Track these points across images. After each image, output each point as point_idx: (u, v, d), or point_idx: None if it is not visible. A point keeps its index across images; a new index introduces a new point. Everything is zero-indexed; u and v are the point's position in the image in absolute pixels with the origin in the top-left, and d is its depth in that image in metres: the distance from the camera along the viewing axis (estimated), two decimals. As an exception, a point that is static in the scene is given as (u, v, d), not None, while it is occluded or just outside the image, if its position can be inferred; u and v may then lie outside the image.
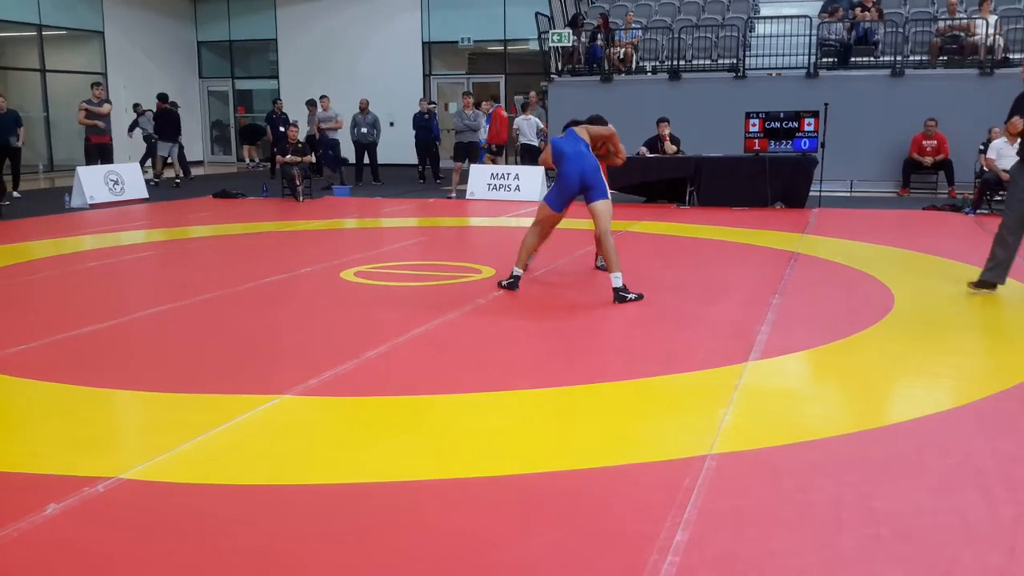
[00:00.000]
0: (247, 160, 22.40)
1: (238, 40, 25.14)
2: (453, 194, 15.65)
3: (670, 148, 14.06)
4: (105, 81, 21.53)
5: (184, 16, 24.96)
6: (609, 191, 7.20)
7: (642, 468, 3.67)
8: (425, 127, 18.34)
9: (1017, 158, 6.79)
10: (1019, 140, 6.80)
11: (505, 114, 17.98)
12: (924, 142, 14.86)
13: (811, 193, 13.40)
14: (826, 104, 13.38)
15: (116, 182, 14.74)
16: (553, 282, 7.71)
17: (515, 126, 16.84)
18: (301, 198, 14.74)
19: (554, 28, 17.73)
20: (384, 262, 8.82)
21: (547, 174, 14.19)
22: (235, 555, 2.97)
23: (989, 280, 6.90)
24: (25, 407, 4.54)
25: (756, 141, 13.59)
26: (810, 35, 16.16)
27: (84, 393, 4.70)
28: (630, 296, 6.78)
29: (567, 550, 2.98)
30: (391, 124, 20.69)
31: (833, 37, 16.35)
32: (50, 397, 4.65)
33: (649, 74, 17.39)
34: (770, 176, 13.20)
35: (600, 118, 7.64)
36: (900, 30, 16.14)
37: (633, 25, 17.64)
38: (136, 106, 19.82)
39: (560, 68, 17.98)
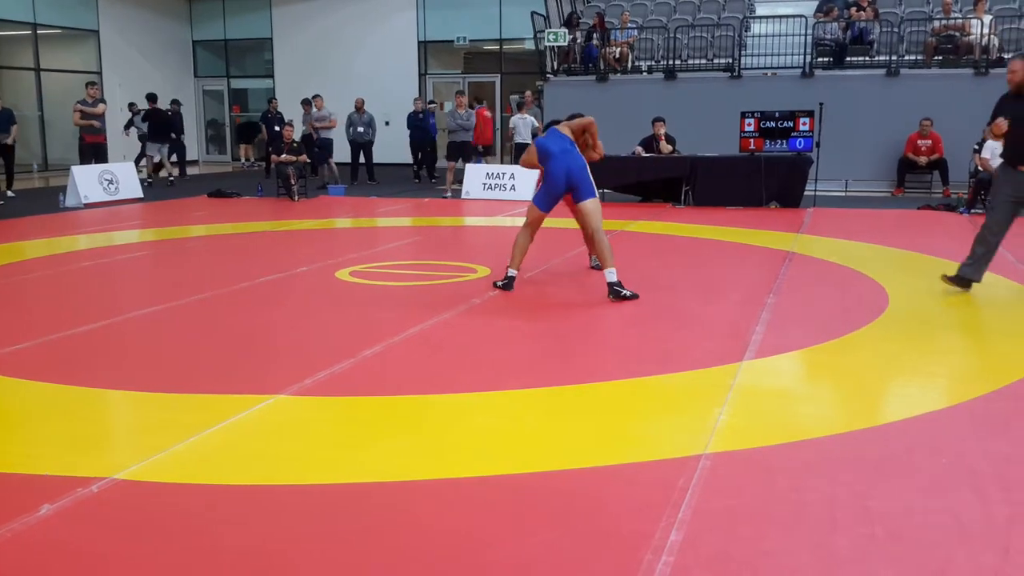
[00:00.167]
0: (243, 159, 22.39)
1: (233, 39, 25.12)
2: (448, 193, 15.66)
3: (665, 148, 14.06)
4: (100, 80, 21.48)
5: (179, 15, 24.93)
6: (596, 189, 7.21)
7: (637, 468, 3.67)
8: (420, 126, 18.34)
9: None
10: (1004, 141, 6.80)
11: (488, 114, 17.90)
12: (919, 142, 14.89)
13: (806, 193, 13.42)
14: (821, 104, 13.39)
15: (111, 182, 14.72)
16: (547, 282, 7.71)
17: (511, 125, 16.87)
18: (296, 197, 14.73)
19: (550, 27, 17.74)
20: (379, 262, 8.81)
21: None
22: (229, 555, 2.97)
23: (966, 276, 6.91)
24: (18, 407, 4.53)
25: (751, 141, 13.61)
26: (806, 35, 16.19)
27: (78, 393, 4.69)
28: (625, 292, 6.79)
29: (562, 550, 2.98)
30: (386, 123, 20.68)
31: (828, 37, 16.38)
32: (44, 397, 4.64)
33: (645, 73, 17.41)
34: (765, 176, 13.22)
35: (580, 116, 7.66)
36: (895, 30, 16.17)
37: (629, 24, 17.66)
38: (131, 105, 19.81)
39: (556, 67, 17.99)
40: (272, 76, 24.60)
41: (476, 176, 15.39)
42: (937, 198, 13.92)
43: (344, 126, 17.96)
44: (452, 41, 22.94)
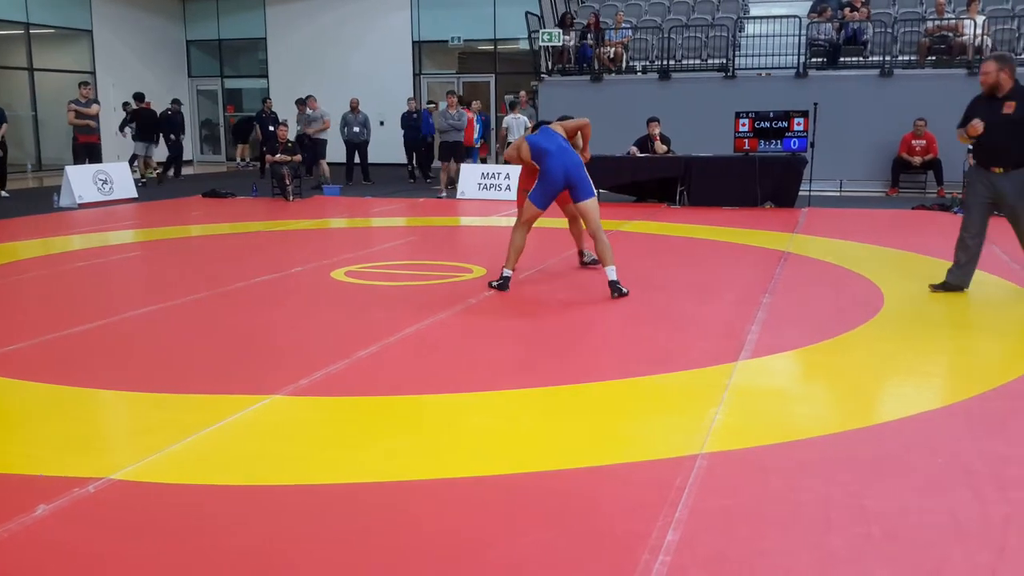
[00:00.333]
0: (239, 159, 22.37)
1: (227, 39, 25.09)
2: (443, 193, 15.65)
3: (660, 148, 14.08)
4: (94, 80, 21.46)
5: (173, 15, 24.89)
6: (595, 189, 7.23)
7: (633, 468, 3.68)
8: (414, 126, 18.33)
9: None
10: (974, 143, 6.82)
11: (471, 115, 17.79)
12: (913, 142, 14.93)
13: (800, 193, 13.44)
14: (815, 104, 13.42)
15: (105, 182, 14.69)
16: (543, 282, 7.72)
17: (504, 125, 16.92)
18: (291, 197, 14.71)
19: (544, 28, 17.74)
20: (374, 262, 8.81)
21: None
22: (226, 555, 2.96)
23: (953, 283, 6.94)
24: (14, 407, 4.52)
25: (746, 141, 13.63)
26: (799, 35, 16.21)
27: (73, 393, 4.68)
28: (626, 291, 6.84)
29: (558, 550, 2.98)
30: (381, 123, 20.67)
31: (822, 37, 16.41)
32: (39, 397, 4.63)
33: (639, 74, 17.42)
34: (760, 176, 13.24)
35: (570, 118, 7.69)
36: (889, 30, 16.20)
37: (623, 25, 17.67)
38: (126, 105, 19.76)
39: (550, 68, 17.99)
40: (266, 76, 24.57)
41: (471, 176, 15.39)
42: (931, 198, 13.95)
43: (339, 126, 17.94)
44: (446, 41, 22.93)
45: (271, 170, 15.20)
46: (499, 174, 15.26)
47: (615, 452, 3.87)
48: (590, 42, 17.52)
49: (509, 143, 16.42)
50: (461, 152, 16.46)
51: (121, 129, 19.19)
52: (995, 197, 6.74)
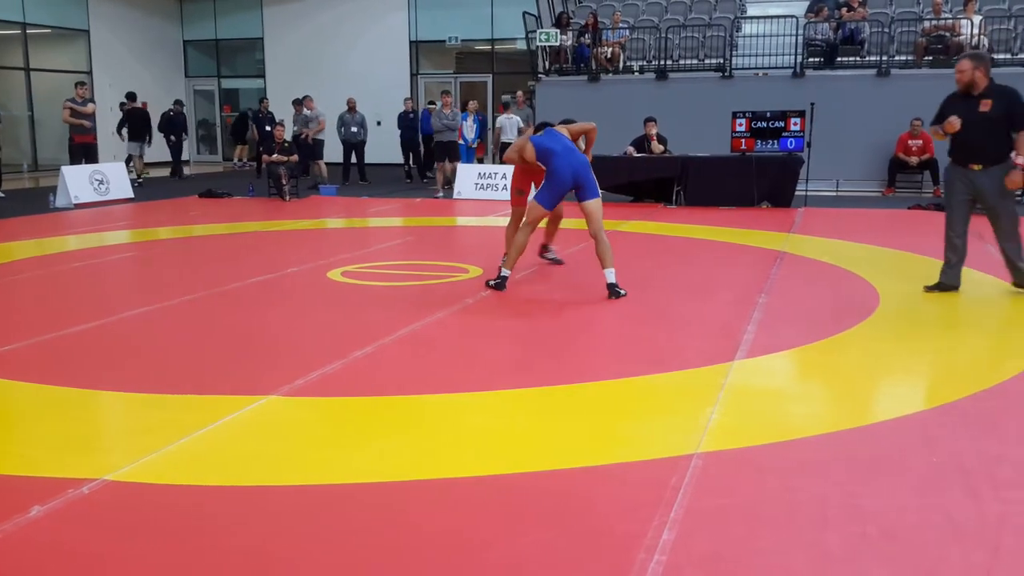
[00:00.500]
0: (236, 160, 22.36)
1: (224, 39, 25.07)
2: (440, 193, 15.65)
3: (657, 148, 14.08)
4: (90, 80, 21.43)
5: (170, 15, 24.87)
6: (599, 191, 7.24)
7: (629, 467, 3.68)
8: (411, 127, 18.32)
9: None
10: (952, 141, 6.85)
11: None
12: (910, 141, 14.94)
13: (797, 192, 13.45)
14: (812, 104, 13.42)
15: (101, 182, 14.67)
16: (539, 282, 7.72)
17: (497, 125, 16.97)
18: (287, 197, 14.70)
19: (542, 28, 17.74)
20: (371, 262, 8.80)
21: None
22: (222, 556, 2.96)
23: (946, 283, 6.96)
24: (9, 408, 4.51)
25: (743, 141, 13.64)
26: (796, 35, 16.21)
27: (69, 394, 4.67)
28: (623, 292, 6.83)
29: (555, 550, 2.98)
30: (378, 123, 20.66)
31: (819, 37, 16.41)
32: (34, 398, 4.62)
33: (636, 74, 17.43)
34: (756, 175, 13.24)
35: (572, 121, 7.70)
36: (886, 30, 16.21)
37: (620, 25, 17.67)
38: (123, 104, 19.75)
39: (548, 68, 17.99)
40: (263, 76, 24.55)
41: (468, 176, 15.39)
42: (928, 198, 13.97)
43: (336, 126, 17.93)
44: (444, 41, 22.92)
45: (267, 170, 15.19)
46: (496, 174, 15.26)
47: (611, 452, 3.86)
48: (587, 42, 17.51)
49: (502, 142, 16.52)
50: (456, 152, 16.46)
51: (119, 130, 19.19)
52: (974, 194, 6.77)
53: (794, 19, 16.39)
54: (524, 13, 18.02)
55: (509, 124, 16.63)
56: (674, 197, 13.68)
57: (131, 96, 18.43)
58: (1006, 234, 6.83)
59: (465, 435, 4.10)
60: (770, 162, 13.35)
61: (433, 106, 19.59)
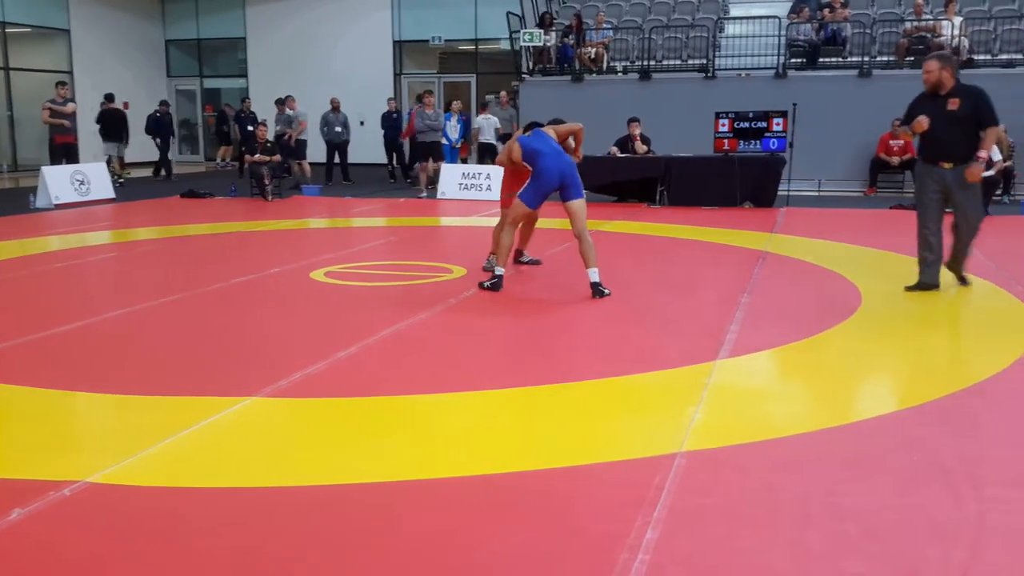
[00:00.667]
0: (218, 160, 22.26)
1: (207, 38, 24.95)
2: (423, 193, 15.64)
3: (641, 148, 14.12)
4: (71, 80, 21.28)
5: (152, 14, 24.73)
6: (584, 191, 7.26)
7: (612, 467, 3.68)
8: (394, 127, 18.29)
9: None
10: (922, 140, 6.97)
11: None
12: (891, 142, 15.03)
13: (779, 192, 13.51)
14: (794, 104, 13.49)
15: (82, 182, 14.58)
16: (523, 282, 7.72)
17: (475, 125, 17.01)
18: (270, 198, 14.65)
19: (525, 28, 17.75)
20: (354, 262, 8.78)
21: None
22: (205, 557, 2.95)
23: (926, 282, 7.02)
24: (-11, 410, 4.47)
25: (725, 141, 13.69)
26: (779, 36, 16.29)
27: (50, 395, 4.64)
28: (607, 292, 6.84)
29: (539, 549, 2.98)
30: (361, 123, 20.61)
31: (801, 38, 16.49)
32: (15, 400, 4.58)
33: (620, 74, 17.46)
34: (739, 176, 13.30)
35: (561, 121, 7.72)
36: (867, 31, 16.31)
37: (604, 25, 17.70)
38: (103, 104, 19.62)
39: (531, 68, 18.00)
40: (246, 76, 24.45)
41: (452, 176, 15.38)
42: (909, 198, 13.97)
43: (319, 126, 17.87)
44: (427, 41, 22.89)
45: (250, 170, 15.13)
46: (480, 174, 15.26)
47: (595, 451, 3.87)
48: (571, 42, 17.53)
49: (479, 142, 16.61)
50: (439, 152, 16.46)
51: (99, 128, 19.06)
52: (944, 191, 6.88)
53: (776, 20, 16.46)
54: (508, 13, 18.03)
55: (487, 124, 16.73)
56: (657, 197, 13.72)
57: (109, 97, 18.34)
58: (970, 230, 6.97)
59: (449, 435, 4.10)
60: (753, 162, 13.41)
61: (420, 107, 19.60)
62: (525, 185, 7.25)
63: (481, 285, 7.26)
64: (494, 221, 7.67)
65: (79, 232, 11.23)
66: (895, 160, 14.99)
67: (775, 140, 13.50)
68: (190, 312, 6.66)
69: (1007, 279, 7.58)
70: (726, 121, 13.68)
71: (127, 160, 19.17)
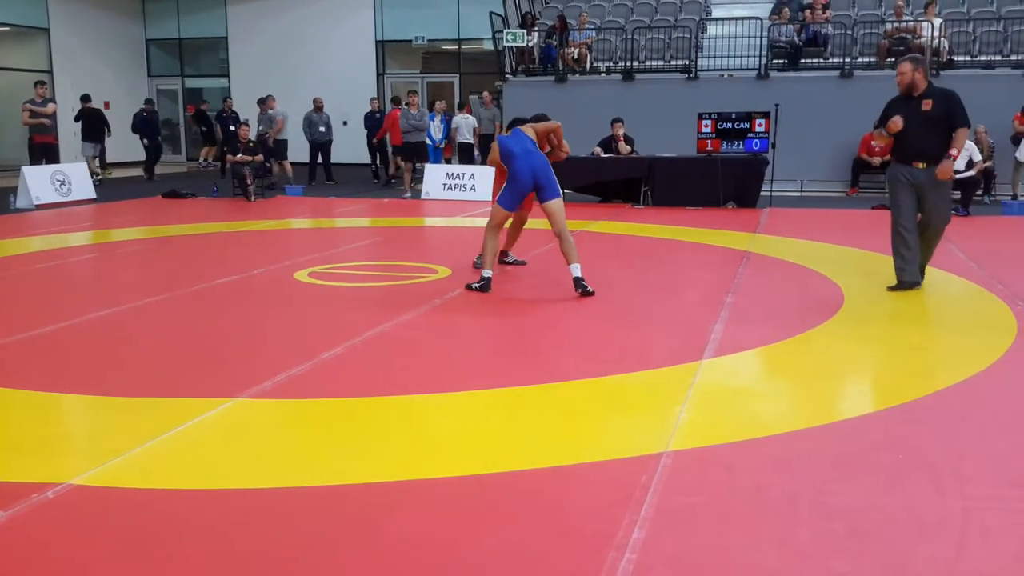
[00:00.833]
0: (201, 160, 22.12)
1: (188, 38, 24.81)
2: (408, 194, 15.61)
3: (624, 148, 14.14)
4: (51, 80, 21.12)
5: (132, 13, 24.57)
6: (561, 189, 7.26)
7: (599, 467, 3.68)
8: (377, 126, 18.25)
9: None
10: (896, 141, 7.06)
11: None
12: (872, 142, 15.10)
13: (762, 193, 13.56)
14: (777, 105, 13.55)
15: (63, 182, 14.47)
16: (508, 282, 7.71)
17: (453, 125, 17.02)
18: (252, 198, 14.58)
19: (508, 28, 17.75)
20: (338, 263, 8.75)
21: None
22: (187, 559, 2.92)
23: (907, 280, 7.08)
24: (-30, 412, 4.43)
25: (708, 142, 13.72)
26: (761, 37, 16.35)
27: (32, 397, 4.60)
28: (591, 290, 6.88)
29: (526, 549, 2.98)
30: (344, 123, 20.56)
31: (783, 39, 16.57)
32: (-4, 402, 4.55)
33: (603, 74, 17.49)
34: (722, 176, 13.34)
35: (545, 116, 7.70)
36: (849, 32, 16.40)
37: (587, 25, 17.73)
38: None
39: (514, 68, 18.00)
40: (227, 75, 24.34)
41: (436, 176, 15.36)
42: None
43: (302, 126, 17.80)
44: (410, 41, 22.86)
45: (232, 170, 15.05)
46: (464, 174, 15.25)
47: (581, 451, 3.87)
48: (554, 42, 17.55)
49: (459, 142, 16.69)
50: (424, 152, 16.44)
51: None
52: (918, 190, 6.98)
53: (758, 21, 16.53)
54: (491, 13, 18.02)
55: (465, 124, 16.79)
56: (641, 197, 13.75)
57: (85, 98, 18.24)
58: (936, 233, 7.11)
59: (435, 436, 4.09)
60: (736, 163, 13.46)
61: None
62: (502, 189, 7.25)
63: (469, 286, 7.25)
64: (479, 221, 7.66)
65: (60, 233, 11.14)
66: (877, 160, 15.07)
67: (758, 141, 13.55)
68: (173, 313, 6.61)
69: (988, 279, 7.63)
70: (709, 122, 13.71)
71: (109, 160, 19.05)
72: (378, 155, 18.71)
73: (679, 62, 17.09)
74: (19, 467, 3.67)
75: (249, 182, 14.58)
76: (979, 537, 3.07)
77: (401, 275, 8.02)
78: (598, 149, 14.18)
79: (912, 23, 16.09)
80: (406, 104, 16.57)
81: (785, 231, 10.78)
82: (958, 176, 11.93)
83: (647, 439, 3.96)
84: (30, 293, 7.45)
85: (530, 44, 17.59)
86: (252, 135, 16.03)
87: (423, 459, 3.78)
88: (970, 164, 12.71)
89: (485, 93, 17.91)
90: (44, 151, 15.75)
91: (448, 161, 17.35)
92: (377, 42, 23.12)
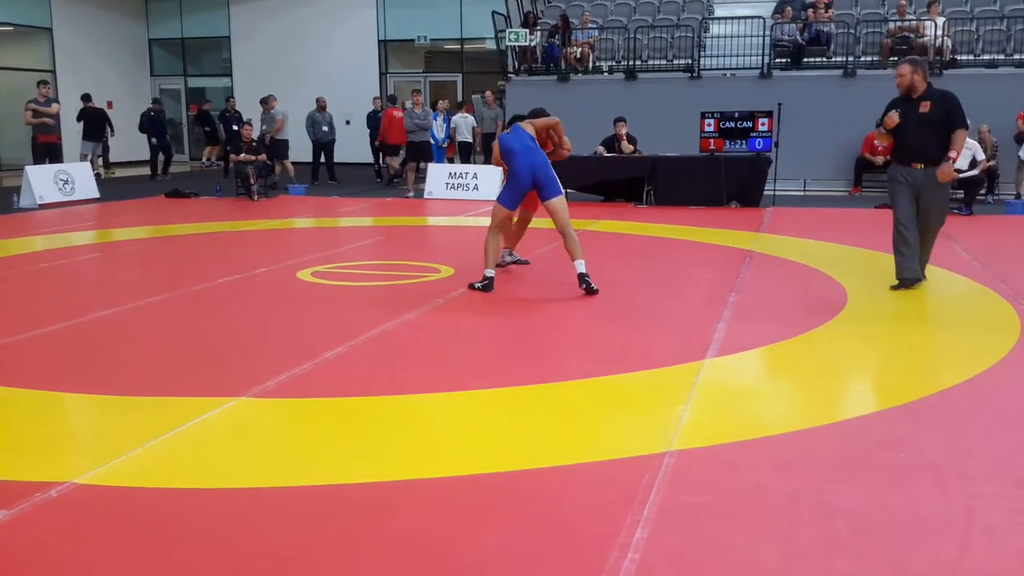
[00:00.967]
0: (204, 159, 22.14)
1: (191, 37, 24.82)
2: (410, 193, 15.61)
3: (627, 147, 14.13)
4: (54, 79, 21.13)
5: (135, 13, 24.58)
6: (562, 187, 7.25)
7: (601, 466, 3.68)
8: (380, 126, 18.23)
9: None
10: (895, 142, 7.11)
11: (398, 114, 17.36)
12: (876, 141, 15.08)
13: (765, 192, 13.55)
14: (779, 104, 13.53)
15: (66, 182, 14.48)
16: (510, 281, 7.71)
17: (452, 125, 17.01)
18: (256, 197, 14.59)
19: (511, 27, 17.74)
20: (341, 262, 8.75)
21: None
22: (190, 558, 2.93)
23: (908, 278, 7.08)
24: (-27, 412, 4.43)
25: (711, 141, 13.72)
26: (764, 36, 16.33)
27: (35, 396, 4.60)
28: (596, 288, 6.88)
29: (528, 549, 2.98)
30: (347, 123, 20.56)
31: (786, 38, 16.55)
32: (0, 400, 4.56)
33: (605, 74, 17.47)
34: (725, 175, 13.32)
35: (543, 111, 7.67)
36: (851, 31, 16.37)
37: (589, 25, 17.71)
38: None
39: (517, 67, 17.99)
40: (230, 75, 24.35)
41: (438, 176, 15.36)
42: (892, 197, 14.10)
43: (305, 125, 17.79)
44: (413, 40, 22.85)
45: (235, 169, 15.06)
46: (467, 174, 15.25)
47: (584, 451, 3.87)
48: (557, 42, 17.54)
49: (459, 141, 16.72)
50: (428, 152, 16.43)
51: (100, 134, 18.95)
52: (916, 190, 7.00)
53: (761, 20, 16.51)
54: (493, 13, 18.01)
55: (464, 124, 16.81)
56: (644, 197, 13.74)
57: (86, 97, 18.26)
58: (931, 234, 7.16)
59: (437, 435, 4.09)
60: (738, 162, 13.44)
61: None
62: (502, 188, 7.24)
63: (471, 286, 7.25)
64: (481, 221, 7.65)
65: (64, 232, 11.15)
66: (880, 160, 15.02)
67: (761, 140, 13.54)
68: (176, 312, 6.62)
69: (991, 278, 7.62)
70: (712, 121, 13.71)
71: (113, 159, 19.06)
72: (380, 154, 18.70)
73: (682, 61, 17.07)
74: (22, 466, 3.67)
75: (252, 181, 14.59)
76: (983, 537, 3.06)
77: (404, 274, 8.02)
78: (601, 148, 14.17)
79: (915, 22, 16.06)
80: (410, 103, 16.55)
81: (788, 230, 10.76)
82: (961, 175, 11.94)
83: (650, 439, 3.96)
84: (33, 292, 7.46)
85: (533, 43, 17.57)
86: (255, 135, 16.04)
87: (425, 459, 3.78)
88: (973, 163, 12.69)
89: (488, 92, 17.91)
90: (47, 151, 15.77)
91: (451, 160, 17.35)
92: (380, 41, 23.11)
